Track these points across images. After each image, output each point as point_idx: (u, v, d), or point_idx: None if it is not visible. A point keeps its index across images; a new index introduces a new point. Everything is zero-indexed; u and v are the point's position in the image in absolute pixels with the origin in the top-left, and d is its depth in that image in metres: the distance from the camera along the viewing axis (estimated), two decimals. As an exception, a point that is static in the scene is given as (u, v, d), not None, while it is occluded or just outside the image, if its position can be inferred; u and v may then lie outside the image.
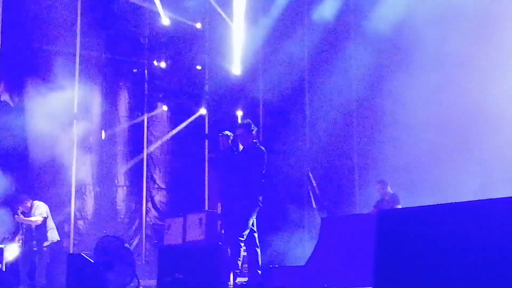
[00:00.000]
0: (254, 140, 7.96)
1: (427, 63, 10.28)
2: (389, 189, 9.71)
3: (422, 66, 10.26)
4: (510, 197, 2.65)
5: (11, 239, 9.43)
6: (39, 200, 9.73)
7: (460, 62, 9.87)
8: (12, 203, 9.68)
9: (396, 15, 10.67)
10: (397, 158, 10.33)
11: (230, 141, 8.21)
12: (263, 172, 7.84)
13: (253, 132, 8.00)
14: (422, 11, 10.32)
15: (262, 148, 7.92)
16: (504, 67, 9.40)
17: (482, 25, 9.81)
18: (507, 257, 2.53)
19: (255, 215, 7.71)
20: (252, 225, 7.74)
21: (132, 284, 7.43)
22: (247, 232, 7.60)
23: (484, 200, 2.82)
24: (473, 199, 2.90)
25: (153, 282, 7.53)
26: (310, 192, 10.99)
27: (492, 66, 9.52)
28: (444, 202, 2.95)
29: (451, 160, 9.82)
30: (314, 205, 10.74)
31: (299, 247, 10.34)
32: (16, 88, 10.78)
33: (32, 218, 9.36)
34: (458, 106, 9.82)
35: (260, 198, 7.75)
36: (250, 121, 7.93)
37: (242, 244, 7.69)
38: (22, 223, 9.36)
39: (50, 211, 9.78)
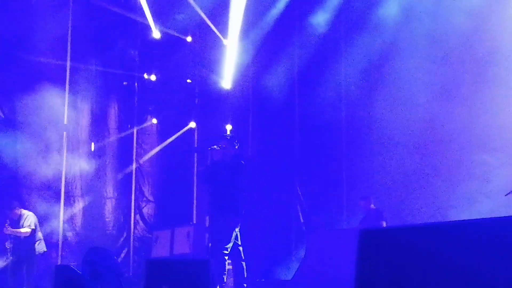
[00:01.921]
0: (239, 154, 8.08)
1: (415, 80, 10.41)
2: (372, 206, 9.74)
3: (410, 83, 10.38)
4: (492, 218, 2.55)
5: None
6: (29, 210, 9.81)
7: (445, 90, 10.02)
8: (2, 209, 9.76)
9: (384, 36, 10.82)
10: (385, 175, 10.36)
11: (218, 156, 8.31)
12: (244, 186, 7.96)
13: (236, 147, 8.14)
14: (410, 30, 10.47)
15: (243, 162, 8.04)
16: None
17: (454, 50, 9.95)
18: (487, 278, 2.43)
19: (238, 228, 7.83)
20: (236, 238, 7.86)
21: (119, 296, 7.49)
22: (230, 245, 7.73)
23: (466, 220, 2.78)
24: (457, 218, 2.90)
25: (140, 294, 7.60)
26: (298, 206, 11.05)
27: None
28: (428, 219, 2.94)
29: (438, 178, 9.88)
30: (301, 220, 10.82)
31: (286, 261, 10.41)
32: (6, 99, 10.82)
33: (21, 230, 9.43)
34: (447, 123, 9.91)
35: (242, 211, 7.87)
36: (234, 136, 8.04)
37: (226, 258, 7.81)
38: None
39: (39, 222, 9.82)
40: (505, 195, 8.19)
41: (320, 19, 12.06)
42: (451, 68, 10.07)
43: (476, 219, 2.63)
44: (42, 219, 10.66)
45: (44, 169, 10.71)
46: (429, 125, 10.15)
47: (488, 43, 9.73)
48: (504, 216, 2.48)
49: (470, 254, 2.47)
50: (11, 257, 9.42)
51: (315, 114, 11.98)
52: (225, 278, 7.99)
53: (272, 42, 12.57)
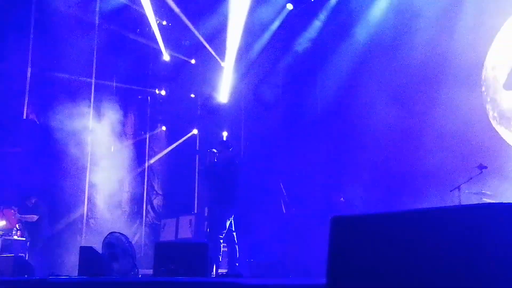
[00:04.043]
0: (233, 156, 8.06)
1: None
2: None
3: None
4: (455, 206, 2.48)
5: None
6: (55, 200, 9.74)
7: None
8: (22, 197, 9.67)
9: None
10: (359, 173, 10.27)
11: (215, 157, 8.29)
12: (238, 182, 7.93)
13: (230, 150, 8.12)
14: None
15: (236, 162, 8.02)
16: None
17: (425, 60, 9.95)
18: (454, 265, 2.26)
19: (232, 217, 7.78)
20: (231, 226, 7.80)
21: (132, 273, 7.42)
22: (225, 231, 7.67)
23: (432, 208, 2.54)
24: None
25: (150, 271, 7.53)
26: (281, 200, 10.98)
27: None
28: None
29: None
30: (284, 210, 10.75)
31: (271, 245, 10.34)
32: (43, 109, 10.74)
33: (29, 216, 9.31)
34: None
35: (236, 203, 7.83)
36: (229, 141, 8.02)
37: (222, 241, 7.75)
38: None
39: (67, 212, 9.74)
40: (450, 191, 8.17)
41: (303, 42, 12.09)
42: (409, 79, 10.07)
43: (441, 207, 2.47)
44: (69, 208, 10.61)
45: (72, 166, 10.64)
46: (388, 127, 10.14)
47: (441, 55, 9.72)
48: (467, 204, 2.37)
49: (437, 240, 2.31)
50: (29, 240, 9.29)
51: (295, 122, 11.96)
52: (220, 258, 7.94)
53: (260, 64, 12.54)
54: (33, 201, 9.51)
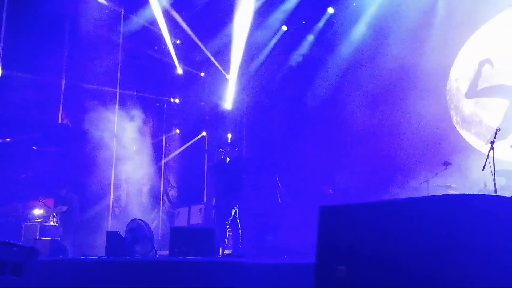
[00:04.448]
0: (237, 155, 8.05)
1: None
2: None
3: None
4: (425, 197, 2.44)
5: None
6: (86, 192, 9.71)
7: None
8: (56, 188, 9.64)
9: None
10: (344, 168, 10.22)
11: (222, 156, 8.28)
12: (241, 177, 7.93)
13: (236, 149, 8.11)
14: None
15: (240, 160, 8.04)
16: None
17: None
18: (431, 250, 2.23)
19: (236, 206, 7.78)
20: (235, 214, 7.79)
21: (151, 254, 7.42)
22: (230, 218, 7.66)
23: (414, 198, 2.58)
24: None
25: (166, 252, 7.53)
26: (277, 191, 10.97)
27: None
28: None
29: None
30: (279, 201, 10.74)
31: (269, 230, 10.33)
32: (74, 115, 10.71)
33: (58, 208, 9.25)
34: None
35: (239, 194, 7.83)
36: (234, 142, 8.01)
37: (228, 227, 7.74)
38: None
39: (96, 201, 9.71)
40: (420, 184, 8.16)
41: (296, 57, 12.10)
42: (385, 87, 10.07)
43: (413, 197, 2.48)
44: (97, 198, 10.59)
45: (100, 163, 10.62)
46: (368, 129, 10.14)
47: (413, 67, 9.71)
48: (437, 195, 2.35)
49: (411, 225, 2.30)
50: (61, 226, 9.27)
51: (290, 124, 11.94)
52: (226, 241, 7.94)
53: (259, 76, 12.52)
54: (64, 191, 9.48)
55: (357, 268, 2.43)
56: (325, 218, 2.77)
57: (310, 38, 11.97)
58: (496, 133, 6.43)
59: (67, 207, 9.28)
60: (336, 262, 2.58)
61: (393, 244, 2.37)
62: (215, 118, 13.09)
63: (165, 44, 12.13)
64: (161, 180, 12.39)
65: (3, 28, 9.50)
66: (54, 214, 9.25)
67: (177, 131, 12.99)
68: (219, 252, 7.43)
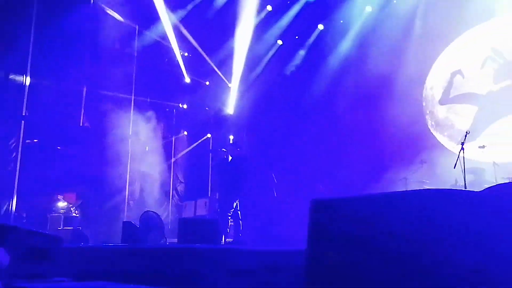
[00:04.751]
0: (238, 154, 8.03)
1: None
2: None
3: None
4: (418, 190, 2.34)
5: None
6: (104, 186, 9.66)
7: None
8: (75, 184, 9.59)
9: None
10: (333, 166, 10.20)
11: (224, 155, 8.27)
12: (242, 174, 7.90)
13: (237, 149, 8.09)
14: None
15: (241, 158, 8.00)
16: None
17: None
18: (409, 239, 2.16)
19: (237, 200, 7.75)
20: (237, 206, 7.77)
21: (162, 241, 7.41)
22: (232, 210, 7.64)
23: (403, 191, 2.51)
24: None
25: (175, 240, 7.51)
26: (273, 187, 10.95)
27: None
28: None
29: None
30: (275, 195, 10.71)
31: (266, 220, 10.30)
32: (94, 118, 10.68)
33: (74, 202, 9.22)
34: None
35: (240, 189, 7.81)
36: (236, 142, 7.98)
37: (229, 218, 7.72)
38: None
39: (113, 195, 9.66)
40: (399, 180, 8.13)
41: (290, 67, 12.10)
42: (368, 94, 10.07)
43: (395, 191, 2.46)
44: (114, 192, 10.55)
45: (116, 160, 10.58)
46: (353, 131, 10.12)
47: (394, 76, 9.71)
48: (416, 190, 2.32)
49: (393, 216, 2.25)
50: (80, 217, 9.24)
51: (285, 127, 11.88)
52: (228, 230, 7.92)
53: (258, 84, 12.48)
54: (81, 188, 9.43)
55: (342, 252, 2.42)
56: (315, 210, 2.74)
57: (302, 52, 12.00)
58: (466, 136, 6.43)
59: (81, 201, 9.26)
60: (324, 248, 2.57)
61: (375, 232, 2.37)
62: (218, 122, 13.06)
63: (175, 56, 12.12)
64: (170, 176, 12.37)
65: (31, 42, 9.50)
66: (73, 207, 9.24)
67: (185, 133, 12.96)
68: (221, 240, 7.41)
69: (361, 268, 2.27)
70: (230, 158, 8.22)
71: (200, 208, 10.34)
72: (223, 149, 8.32)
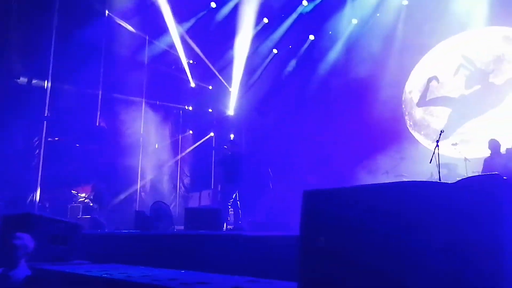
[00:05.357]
0: (238, 151, 8.02)
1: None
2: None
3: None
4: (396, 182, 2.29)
5: None
6: (118, 179, 9.64)
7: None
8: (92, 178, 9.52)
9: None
10: (323, 162, 10.19)
11: (226, 151, 8.25)
12: (241, 168, 7.90)
13: (237, 146, 8.08)
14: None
15: (240, 154, 8.00)
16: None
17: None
18: (388, 227, 2.10)
19: (237, 191, 7.75)
20: (236, 197, 7.77)
21: (170, 228, 7.41)
22: (232, 200, 7.65)
23: (392, 183, 2.46)
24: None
25: (182, 227, 7.52)
26: (270, 180, 10.95)
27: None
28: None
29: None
30: (271, 187, 10.72)
31: (263, 209, 10.31)
32: (109, 118, 10.65)
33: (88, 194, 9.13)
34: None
35: (240, 182, 7.80)
36: (236, 140, 7.97)
37: (230, 207, 7.73)
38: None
39: (126, 187, 9.62)
40: (381, 174, 8.16)
41: (284, 73, 12.09)
42: (354, 98, 10.06)
43: (380, 183, 2.42)
44: (128, 185, 10.53)
45: (129, 156, 10.57)
46: (340, 130, 10.11)
47: (377, 80, 9.72)
48: (396, 181, 2.32)
49: (376, 205, 2.20)
50: (97, 206, 9.21)
51: (280, 127, 11.83)
52: (229, 218, 7.93)
53: (256, 88, 12.45)
54: (94, 182, 9.39)
55: (331, 237, 2.43)
56: (307, 200, 2.75)
57: (295, 60, 11.99)
58: (440, 134, 6.46)
59: (94, 193, 9.26)
60: (315, 234, 2.58)
61: (361, 219, 2.38)
62: (220, 122, 13.05)
63: (181, 63, 12.10)
64: (178, 170, 12.36)
65: (52, 51, 9.48)
66: (89, 198, 9.24)
67: (190, 132, 12.95)
68: (223, 227, 7.42)
69: (347, 250, 2.29)
70: (230, 154, 8.21)
71: (204, 199, 10.34)
72: (225, 146, 8.30)
